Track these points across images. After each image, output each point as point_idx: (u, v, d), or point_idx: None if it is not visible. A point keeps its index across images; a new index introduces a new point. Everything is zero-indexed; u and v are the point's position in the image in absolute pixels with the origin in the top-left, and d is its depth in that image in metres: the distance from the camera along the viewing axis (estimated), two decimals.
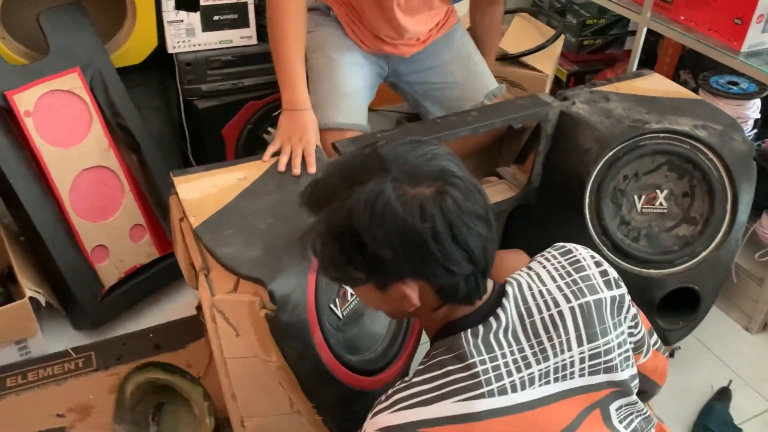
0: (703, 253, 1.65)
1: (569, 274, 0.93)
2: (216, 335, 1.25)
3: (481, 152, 2.13)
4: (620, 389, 0.93)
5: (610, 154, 1.58)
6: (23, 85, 1.71)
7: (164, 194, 1.87)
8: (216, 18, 2.02)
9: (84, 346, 1.74)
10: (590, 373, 0.89)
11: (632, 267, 1.62)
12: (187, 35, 2.01)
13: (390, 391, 0.86)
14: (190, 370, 1.66)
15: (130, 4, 1.88)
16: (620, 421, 0.93)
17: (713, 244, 1.65)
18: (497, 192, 1.90)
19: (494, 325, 0.86)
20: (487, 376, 0.81)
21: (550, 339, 0.87)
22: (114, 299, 1.86)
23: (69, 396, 1.59)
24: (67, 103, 1.79)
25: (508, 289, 0.90)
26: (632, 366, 0.95)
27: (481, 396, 0.80)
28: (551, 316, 0.88)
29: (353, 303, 1.45)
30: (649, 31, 2.16)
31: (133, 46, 1.96)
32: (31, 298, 1.70)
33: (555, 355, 0.86)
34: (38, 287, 1.76)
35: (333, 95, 1.77)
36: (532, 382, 0.85)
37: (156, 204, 1.93)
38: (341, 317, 1.41)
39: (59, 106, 1.78)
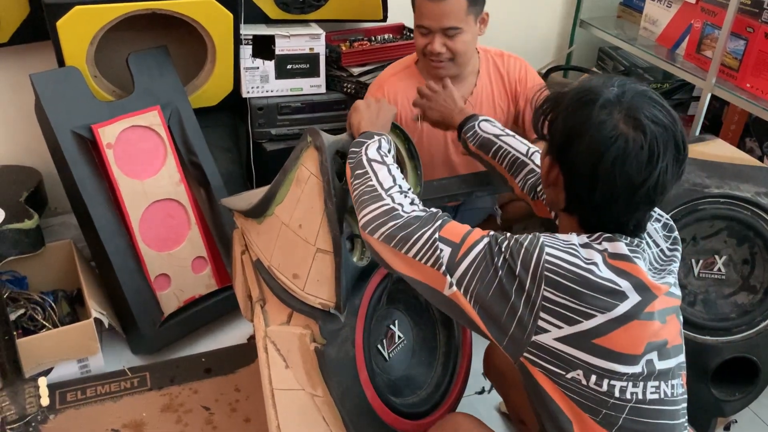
0: (763, 323, 1.60)
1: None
2: (266, 365, 1.29)
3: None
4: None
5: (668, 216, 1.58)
6: (108, 120, 1.84)
7: (228, 229, 1.96)
8: (289, 67, 2.13)
9: (139, 366, 1.82)
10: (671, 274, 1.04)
11: (686, 332, 1.58)
12: (261, 82, 2.13)
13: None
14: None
15: (211, 51, 2.02)
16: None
17: None
18: None
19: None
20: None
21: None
22: (171, 327, 1.93)
23: (124, 412, 1.66)
24: (146, 138, 1.92)
25: None
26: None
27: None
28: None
29: (400, 345, 1.47)
30: (715, 98, 2.15)
31: (211, 89, 2.09)
32: (96, 319, 1.79)
33: (649, 247, 1.05)
34: (103, 310, 1.85)
35: None
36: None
37: (219, 238, 2.01)
38: (387, 358, 1.43)
39: (138, 141, 1.90)
